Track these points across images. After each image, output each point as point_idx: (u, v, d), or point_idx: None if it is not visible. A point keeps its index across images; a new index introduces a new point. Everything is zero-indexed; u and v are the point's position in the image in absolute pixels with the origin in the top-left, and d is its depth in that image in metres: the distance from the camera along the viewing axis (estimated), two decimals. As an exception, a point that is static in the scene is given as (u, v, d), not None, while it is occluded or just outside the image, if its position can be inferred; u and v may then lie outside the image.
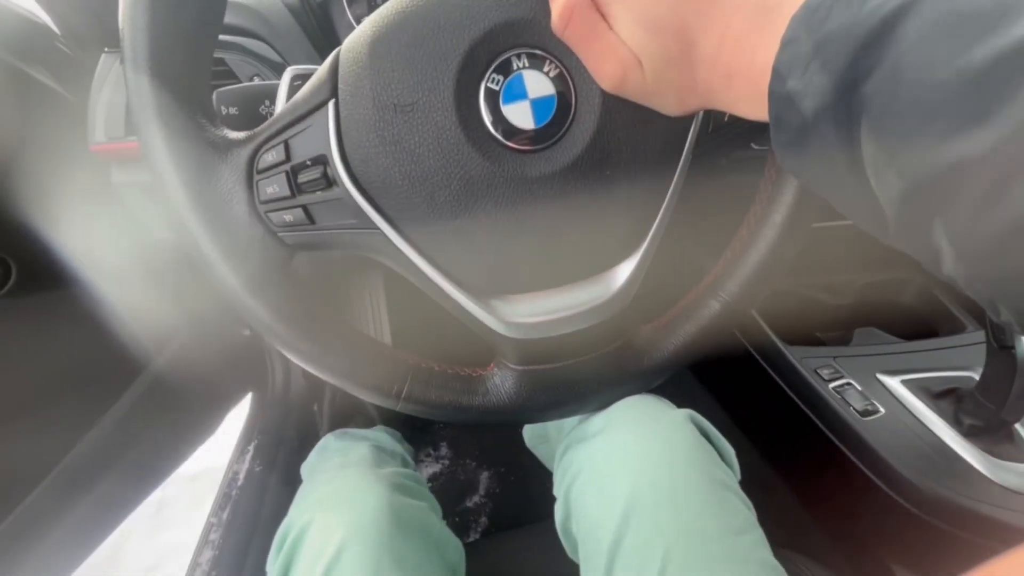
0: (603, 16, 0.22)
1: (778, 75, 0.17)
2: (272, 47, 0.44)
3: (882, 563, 0.49)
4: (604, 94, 0.26)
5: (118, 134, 0.42)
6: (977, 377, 0.46)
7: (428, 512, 0.40)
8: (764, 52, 0.18)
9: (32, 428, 0.51)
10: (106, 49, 0.43)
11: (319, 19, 0.48)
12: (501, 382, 0.32)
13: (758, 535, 0.30)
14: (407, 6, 0.25)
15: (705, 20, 0.20)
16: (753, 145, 0.50)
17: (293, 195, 0.26)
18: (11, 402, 0.48)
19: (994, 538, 0.41)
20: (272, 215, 0.27)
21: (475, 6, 0.25)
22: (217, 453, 0.88)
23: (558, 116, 0.26)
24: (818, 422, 0.51)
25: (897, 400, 0.50)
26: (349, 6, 0.49)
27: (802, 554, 0.41)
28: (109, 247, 0.55)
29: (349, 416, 0.81)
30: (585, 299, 0.30)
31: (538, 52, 0.25)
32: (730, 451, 0.34)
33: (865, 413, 0.49)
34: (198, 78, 0.27)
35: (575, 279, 0.30)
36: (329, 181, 0.26)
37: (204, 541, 0.71)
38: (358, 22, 0.50)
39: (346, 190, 0.26)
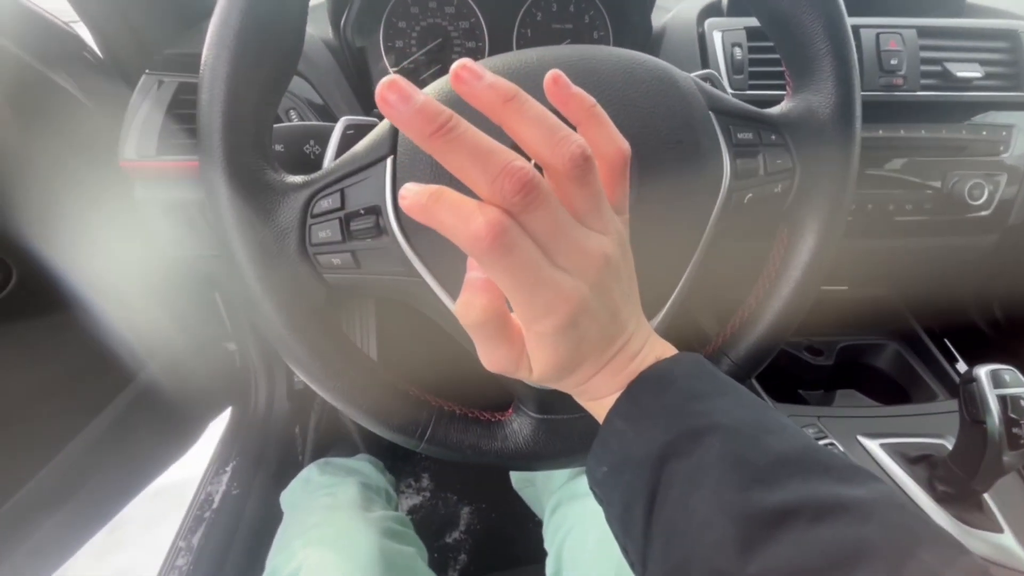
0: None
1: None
2: (311, 84, 0.45)
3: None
4: (638, 174, 0.28)
5: (149, 153, 0.43)
6: (950, 445, 0.49)
7: (416, 558, 0.42)
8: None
9: (10, 437, 0.49)
10: (147, 71, 0.44)
11: (356, 61, 0.51)
12: (519, 428, 0.33)
13: None
14: None
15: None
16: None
17: (344, 240, 0.28)
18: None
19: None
20: (320, 257, 0.28)
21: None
22: (178, 471, 0.84)
23: None
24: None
25: (876, 463, 0.52)
26: (385, 54, 0.52)
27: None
28: (112, 258, 0.55)
29: (332, 443, 0.80)
30: None
31: None
32: None
33: (846, 474, 0.51)
34: (263, 126, 0.28)
35: None
36: (380, 230, 0.28)
37: (170, 567, 0.68)
38: (391, 68, 0.52)
39: (395, 239, 0.28)
